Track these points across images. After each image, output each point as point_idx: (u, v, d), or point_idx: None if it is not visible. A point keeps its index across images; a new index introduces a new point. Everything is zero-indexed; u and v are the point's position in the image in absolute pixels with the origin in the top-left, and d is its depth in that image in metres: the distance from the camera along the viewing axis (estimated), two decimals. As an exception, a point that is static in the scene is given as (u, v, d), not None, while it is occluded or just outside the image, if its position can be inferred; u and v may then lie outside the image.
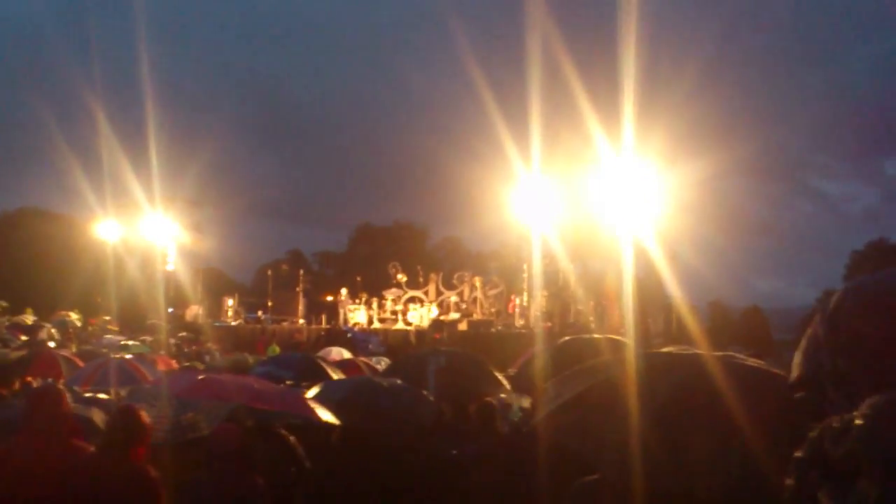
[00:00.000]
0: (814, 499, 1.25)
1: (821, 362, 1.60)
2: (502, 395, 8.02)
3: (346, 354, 17.45)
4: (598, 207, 27.36)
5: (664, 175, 26.25)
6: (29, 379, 11.78)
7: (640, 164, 24.59)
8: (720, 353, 3.53)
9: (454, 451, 5.81)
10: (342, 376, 10.41)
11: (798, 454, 1.34)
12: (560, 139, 28.99)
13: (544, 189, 29.11)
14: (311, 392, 6.53)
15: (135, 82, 44.83)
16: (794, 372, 1.69)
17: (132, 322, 32.84)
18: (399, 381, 6.59)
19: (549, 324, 28.85)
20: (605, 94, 23.97)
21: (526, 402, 7.64)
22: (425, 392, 6.74)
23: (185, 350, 22.35)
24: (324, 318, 35.10)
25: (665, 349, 3.65)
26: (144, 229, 38.58)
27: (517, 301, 32.53)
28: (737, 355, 3.85)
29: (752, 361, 3.57)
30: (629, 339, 11.00)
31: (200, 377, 6.19)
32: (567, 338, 7.64)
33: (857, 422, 1.23)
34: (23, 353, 15.83)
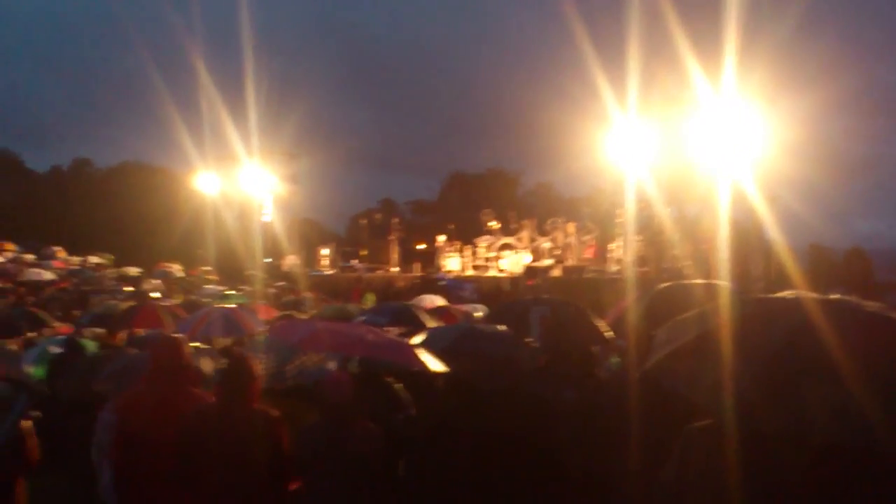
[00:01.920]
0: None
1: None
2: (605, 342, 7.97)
3: (440, 301, 17.62)
4: (695, 149, 26.67)
5: (763, 115, 25.34)
6: (135, 329, 12.28)
7: (739, 103, 23.79)
8: (836, 297, 3.41)
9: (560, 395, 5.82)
10: (439, 324, 10.53)
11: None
12: (656, 79, 28.24)
13: (639, 131, 28.50)
14: (417, 339, 6.61)
15: (232, 34, 45.69)
16: None
17: (230, 272, 33.81)
18: (502, 328, 6.61)
19: (645, 269, 28.46)
20: (704, 31, 23.19)
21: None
22: (530, 340, 6.75)
23: (283, 299, 22.89)
24: (418, 266, 35.46)
25: (780, 294, 3.54)
26: (242, 181, 39.47)
27: (605, 246, 32.20)
28: (852, 299, 3.72)
29: (871, 305, 3.44)
30: (728, 284, 10.74)
31: (318, 326, 6.31)
32: (664, 284, 7.50)
33: None
34: (131, 303, 16.48)
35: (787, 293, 3.69)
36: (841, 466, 2.68)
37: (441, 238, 35.55)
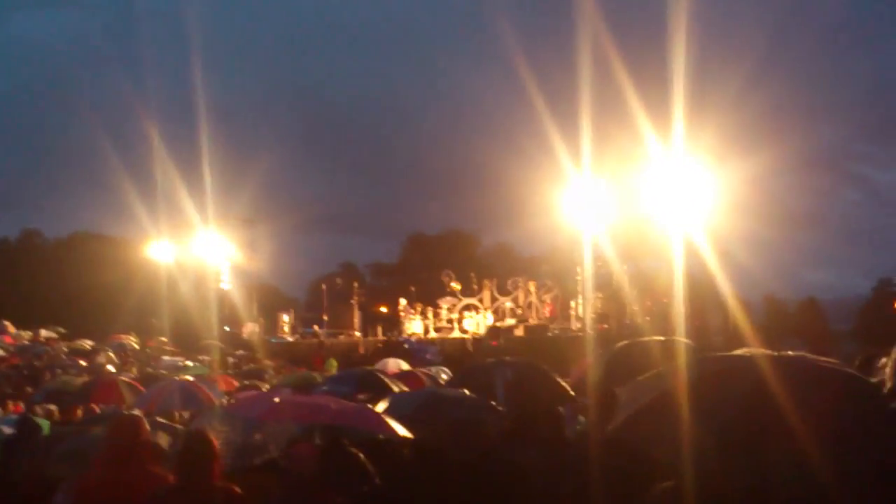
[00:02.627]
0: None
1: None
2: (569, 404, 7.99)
3: (404, 366, 17.51)
4: (649, 207, 27.16)
5: (714, 173, 25.97)
6: (92, 405, 11.97)
7: (690, 162, 24.37)
8: (793, 354, 3.49)
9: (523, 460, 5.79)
10: (404, 388, 10.45)
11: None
12: (610, 139, 28.84)
13: (595, 190, 28.96)
14: (380, 406, 6.56)
15: (186, 101, 45.73)
16: (888, 383, 1.68)
17: (187, 343, 33.31)
18: (466, 392, 6.61)
19: (605, 326, 28.65)
20: (656, 93, 23.83)
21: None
22: (493, 404, 6.75)
23: (243, 368, 22.56)
24: (380, 329, 35.31)
25: (737, 352, 3.61)
26: (198, 249, 39.15)
27: (566, 303, 32.43)
28: (807, 356, 3.80)
29: (826, 361, 3.52)
30: (686, 340, 10.86)
31: (277, 399, 6.25)
32: (622, 343, 7.59)
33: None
34: (84, 378, 16.10)
35: (743, 350, 3.77)
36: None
37: (402, 301, 35.51)
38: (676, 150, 23.45)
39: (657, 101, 23.43)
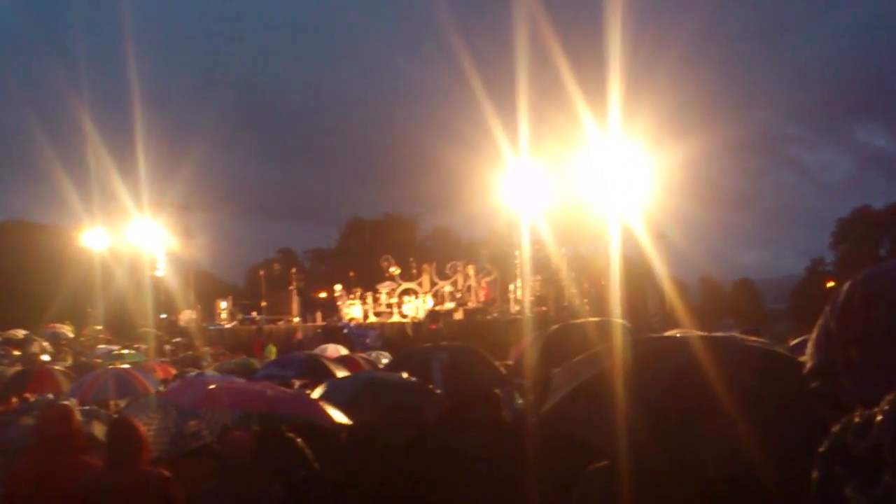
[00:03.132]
0: (839, 493, 1.27)
1: (834, 354, 1.62)
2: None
3: (344, 351, 17.45)
4: (587, 190, 27.45)
5: (650, 157, 26.35)
6: (27, 395, 11.70)
7: (626, 146, 24.68)
8: (722, 335, 3.57)
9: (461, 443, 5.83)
10: (346, 373, 10.42)
11: (821, 449, 1.36)
12: (547, 123, 29.04)
13: (532, 173, 29.14)
14: (317, 392, 6.52)
15: (119, 88, 44.78)
16: (808, 362, 1.72)
17: (123, 330, 32.74)
18: (405, 376, 6.61)
19: (544, 308, 28.94)
20: (592, 77, 24.03)
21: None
22: (431, 387, 6.77)
23: (180, 355, 22.28)
24: (319, 315, 35.11)
25: (668, 333, 3.68)
26: (132, 236, 38.41)
27: (505, 287, 32.67)
28: (738, 335, 3.89)
29: (754, 341, 3.60)
30: (623, 321, 11.04)
31: (212, 386, 6.15)
32: (557, 325, 7.67)
33: (879, 417, 1.24)
34: (17, 368, 15.71)
35: (675, 331, 3.83)
36: (732, 501, 2.78)
37: (338, 287, 35.34)
38: (613, 133, 23.72)
39: (594, 85, 23.65)
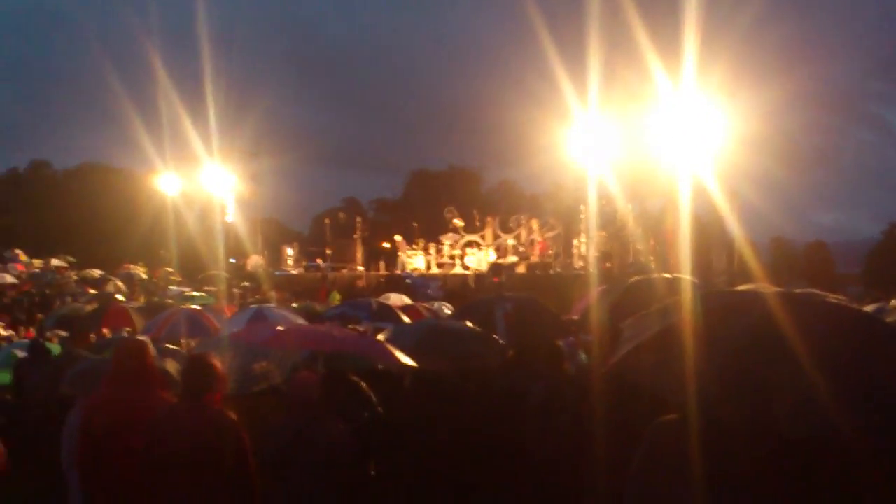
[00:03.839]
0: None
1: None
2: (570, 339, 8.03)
3: (406, 300, 17.59)
4: (657, 144, 26.90)
5: (723, 109, 25.61)
6: (104, 331, 12.12)
7: (699, 98, 24.03)
8: (800, 291, 3.47)
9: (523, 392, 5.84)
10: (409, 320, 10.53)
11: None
12: (617, 75, 28.40)
13: (601, 127, 28.68)
14: (381, 336, 6.58)
15: (192, 34, 45.24)
16: None
17: (193, 273, 33.49)
18: (469, 325, 6.62)
19: (609, 265, 28.67)
20: (664, 26, 23.38)
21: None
22: (495, 337, 6.78)
23: (248, 299, 22.72)
24: (382, 264, 35.39)
25: (742, 287, 3.59)
26: (203, 181, 39.10)
27: (569, 241, 32.42)
28: (815, 292, 3.78)
29: (833, 297, 3.50)
30: (691, 279, 10.88)
31: (280, 328, 6.26)
32: (634, 279, 7.56)
33: None
34: (93, 306, 16.24)
35: (748, 286, 3.74)
36: (805, 459, 2.72)
37: (398, 237, 35.51)
38: (686, 85, 23.11)
39: (666, 36, 23.00)
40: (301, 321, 10.45)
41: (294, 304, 17.20)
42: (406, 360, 5.67)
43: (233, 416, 4.59)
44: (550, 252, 32.68)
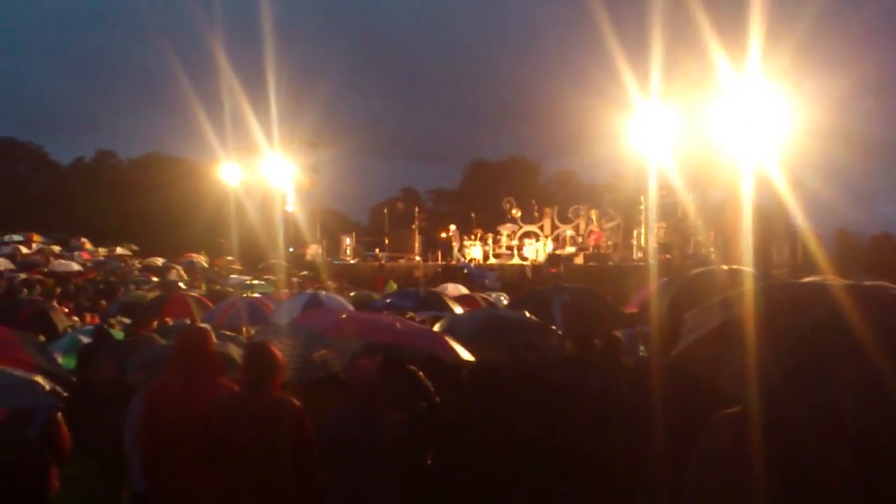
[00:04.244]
0: None
1: None
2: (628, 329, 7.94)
3: (463, 290, 17.61)
4: (719, 134, 26.42)
5: (788, 97, 25.03)
6: (165, 319, 12.36)
7: (763, 86, 23.52)
8: (870, 283, 3.37)
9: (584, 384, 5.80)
10: (461, 309, 10.51)
11: None
12: (679, 63, 27.91)
13: (662, 117, 28.27)
14: (438, 326, 6.59)
15: (253, 23, 45.82)
16: None
17: (253, 262, 33.98)
18: (527, 314, 6.59)
19: (668, 256, 28.30)
20: (727, 13, 22.92)
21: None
22: (553, 328, 6.74)
23: (307, 289, 22.93)
24: (439, 254, 35.47)
25: (807, 279, 3.50)
26: (264, 171, 39.61)
27: (629, 233, 32.08)
28: (884, 284, 3.67)
29: (903, 290, 3.39)
30: (752, 270, 10.67)
31: (343, 315, 6.30)
32: (695, 271, 7.43)
33: None
34: (156, 293, 16.56)
35: (814, 278, 3.65)
36: (872, 456, 2.65)
37: (452, 227, 35.50)
38: (750, 73, 22.64)
39: (730, 23, 22.54)
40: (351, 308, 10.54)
41: (352, 294, 17.33)
42: (465, 354, 5.66)
43: (297, 402, 4.64)
44: (609, 243, 32.37)
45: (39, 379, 4.50)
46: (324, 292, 12.84)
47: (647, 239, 29.95)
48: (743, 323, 2.97)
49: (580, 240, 32.59)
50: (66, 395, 4.60)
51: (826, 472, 2.71)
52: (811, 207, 27.68)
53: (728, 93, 24.42)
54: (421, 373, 6.09)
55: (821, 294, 3.00)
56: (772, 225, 27.91)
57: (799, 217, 26.76)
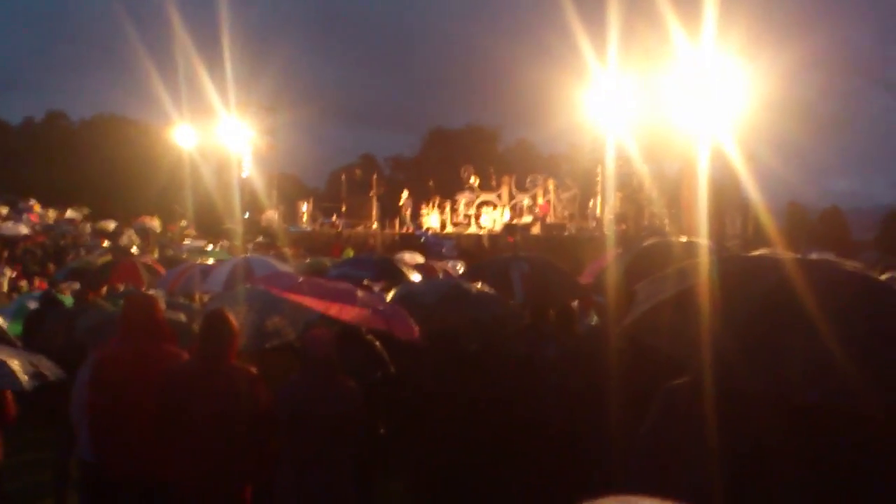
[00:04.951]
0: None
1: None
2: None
3: (420, 259, 17.59)
4: (675, 106, 26.62)
5: (743, 71, 25.28)
6: (115, 284, 12.20)
7: (718, 59, 23.72)
8: (817, 257, 3.44)
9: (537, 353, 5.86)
10: (419, 278, 10.49)
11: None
12: (636, 35, 28.03)
13: (619, 88, 28.39)
14: (396, 293, 6.56)
15: (208, -16, 44.80)
16: None
17: (209, 227, 33.60)
18: (488, 290, 6.60)
19: (624, 226, 28.57)
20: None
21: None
22: (512, 301, 6.77)
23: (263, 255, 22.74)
24: (397, 222, 35.38)
25: (758, 252, 3.56)
26: (220, 135, 39.00)
27: (585, 202, 32.31)
28: (831, 259, 3.75)
29: (849, 264, 3.47)
30: (706, 242, 10.82)
31: (301, 279, 6.23)
32: (648, 242, 7.50)
33: None
34: (107, 258, 16.31)
35: (764, 251, 3.71)
36: (820, 427, 2.71)
37: (404, 194, 35.40)
38: (705, 46, 22.80)
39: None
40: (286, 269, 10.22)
41: (307, 261, 17.25)
42: (415, 332, 5.59)
43: (253, 370, 4.62)
44: (566, 213, 32.57)
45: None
46: (255, 255, 12.63)
47: (604, 209, 30.18)
48: (696, 294, 3.01)
49: (537, 209, 32.73)
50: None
51: (775, 443, 2.77)
52: (763, 181, 28.12)
53: (684, 65, 24.58)
54: (378, 342, 6.09)
55: (770, 268, 3.06)
56: (725, 197, 28.29)
57: (751, 190, 27.17)
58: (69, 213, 39.12)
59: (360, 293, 5.85)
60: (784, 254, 3.39)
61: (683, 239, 7.47)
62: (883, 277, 8.10)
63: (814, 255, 3.40)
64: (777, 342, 2.73)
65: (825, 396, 2.61)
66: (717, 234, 25.49)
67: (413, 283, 8.35)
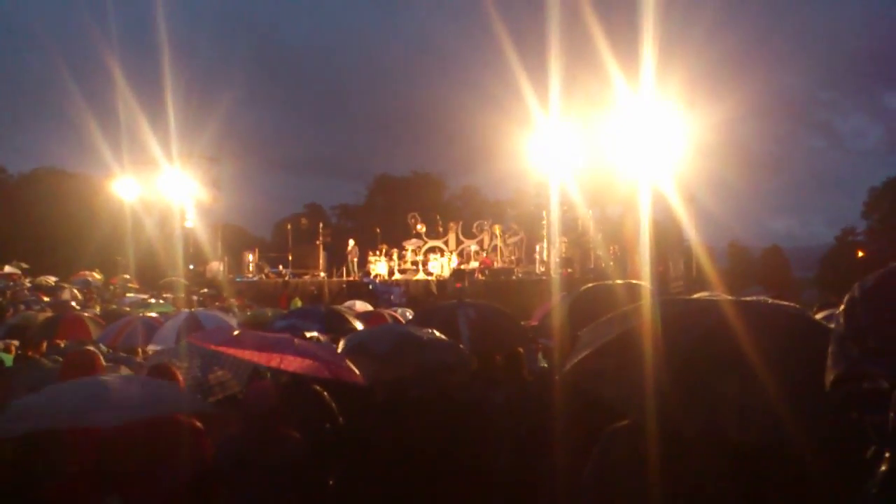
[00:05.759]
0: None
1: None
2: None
3: (369, 307, 17.53)
4: (617, 151, 27.19)
5: (681, 118, 25.98)
6: (57, 341, 11.88)
7: (657, 106, 24.36)
8: (752, 298, 3.53)
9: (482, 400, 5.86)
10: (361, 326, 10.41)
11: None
12: (578, 83, 28.64)
13: (562, 134, 28.89)
14: (345, 343, 6.50)
15: (150, 36, 44.74)
16: (829, 376, 1.75)
17: (152, 280, 33.09)
18: (438, 334, 6.58)
19: (570, 270, 28.86)
20: (624, 36, 23.65)
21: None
22: (461, 345, 6.76)
23: (208, 307, 22.48)
24: (344, 270, 35.27)
25: (697, 295, 3.64)
26: (162, 187, 38.59)
27: (531, 247, 32.60)
28: (768, 300, 3.84)
29: (786, 305, 3.56)
30: (648, 285, 10.98)
31: (236, 332, 6.16)
32: (588, 285, 7.59)
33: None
34: (48, 314, 15.92)
35: (704, 294, 3.80)
36: (755, 467, 2.76)
37: (350, 242, 35.39)
38: (645, 93, 23.41)
39: (626, 44, 23.30)
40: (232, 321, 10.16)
41: (248, 313, 17.08)
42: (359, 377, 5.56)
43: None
44: (513, 257, 32.83)
45: None
46: (202, 310, 12.49)
47: (550, 253, 30.50)
48: (635, 338, 3.06)
49: (484, 254, 32.94)
50: None
51: (714, 484, 2.81)
52: (704, 223, 28.75)
53: (625, 112, 25.18)
54: (326, 393, 6.03)
55: (708, 310, 3.13)
56: (667, 239, 28.82)
57: (692, 232, 27.72)
58: (7, 269, 38.14)
59: (297, 342, 5.80)
60: (721, 296, 3.47)
61: (624, 282, 7.57)
62: (820, 315, 8.31)
63: (751, 296, 3.48)
64: (713, 384, 2.78)
65: (758, 436, 2.66)
66: (661, 276, 25.90)
67: (363, 331, 8.30)
